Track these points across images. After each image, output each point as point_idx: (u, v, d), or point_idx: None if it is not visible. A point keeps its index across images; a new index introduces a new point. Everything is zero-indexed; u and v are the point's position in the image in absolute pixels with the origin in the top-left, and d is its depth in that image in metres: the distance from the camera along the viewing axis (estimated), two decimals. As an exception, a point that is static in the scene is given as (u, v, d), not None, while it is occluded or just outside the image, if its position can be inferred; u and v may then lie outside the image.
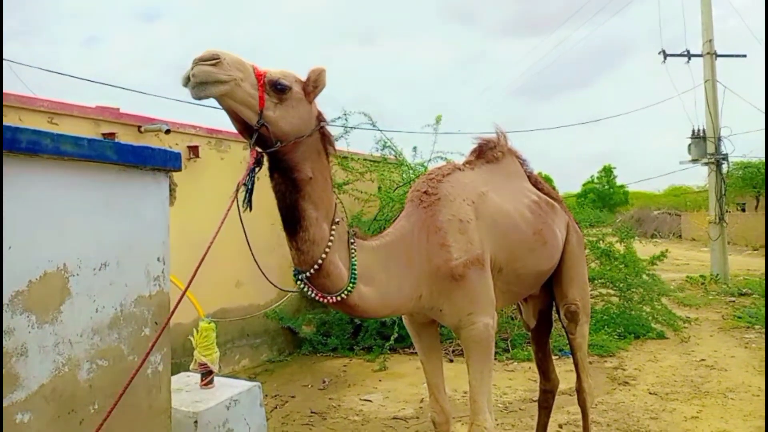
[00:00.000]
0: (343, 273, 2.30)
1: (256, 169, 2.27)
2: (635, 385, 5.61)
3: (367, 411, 5.15)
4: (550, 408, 3.74)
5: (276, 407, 5.24)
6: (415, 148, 8.70)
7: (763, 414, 4.50)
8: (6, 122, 1.95)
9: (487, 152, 3.13)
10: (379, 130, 8.62)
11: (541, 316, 3.54)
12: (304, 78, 2.26)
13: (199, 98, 2.04)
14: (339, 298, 2.31)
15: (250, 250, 2.47)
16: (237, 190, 2.28)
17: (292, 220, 2.24)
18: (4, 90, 4.77)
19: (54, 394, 2.05)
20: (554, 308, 3.52)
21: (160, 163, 2.55)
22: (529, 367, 6.38)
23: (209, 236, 2.26)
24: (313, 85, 2.21)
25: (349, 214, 8.23)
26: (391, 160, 8.80)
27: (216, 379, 4.08)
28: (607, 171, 41.66)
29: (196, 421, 3.45)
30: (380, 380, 6.14)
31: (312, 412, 5.11)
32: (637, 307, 7.93)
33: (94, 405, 2.22)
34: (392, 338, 6.71)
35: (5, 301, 1.90)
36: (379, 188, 8.55)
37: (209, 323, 4.13)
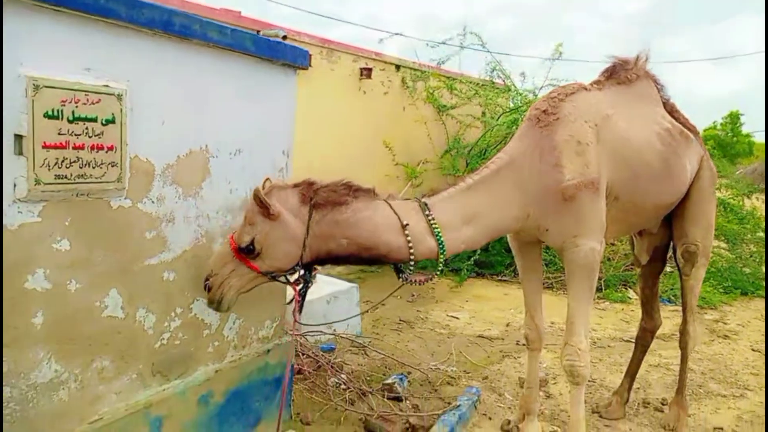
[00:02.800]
0: (431, 246, 2.33)
1: (309, 285, 2.35)
2: (736, 340, 5.33)
3: (453, 326, 5.33)
4: (647, 347, 3.67)
5: (367, 311, 5.54)
6: (523, 74, 8.30)
7: None
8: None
9: (620, 72, 2.93)
10: (488, 51, 8.28)
11: (655, 253, 3.39)
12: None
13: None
14: (439, 270, 2.41)
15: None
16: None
17: (376, 264, 2.34)
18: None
19: (194, 260, 2.30)
20: (671, 247, 3.35)
21: (291, 59, 2.64)
22: (621, 309, 6.24)
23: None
24: (263, 208, 2.11)
25: (450, 136, 8.16)
26: (498, 85, 8.48)
27: (318, 276, 4.38)
28: (734, 117, 37.55)
29: (300, 310, 3.75)
30: (467, 301, 6.28)
31: (401, 320, 5.36)
32: (751, 263, 7.39)
33: (224, 275, 2.46)
34: (472, 259, 6.78)
35: (157, 171, 2.10)
36: (483, 113, 8.33)
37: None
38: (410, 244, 2.26)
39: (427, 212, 2.35)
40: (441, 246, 2.33)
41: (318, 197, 2.19)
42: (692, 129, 3.12)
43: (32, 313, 1.77)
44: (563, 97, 2.73)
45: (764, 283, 7.30)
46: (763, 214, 8.05)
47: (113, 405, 2.07)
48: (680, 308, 3.57)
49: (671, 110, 3.07)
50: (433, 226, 2.33)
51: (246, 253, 2.13)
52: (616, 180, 2.67)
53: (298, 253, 2.16)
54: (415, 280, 2.40)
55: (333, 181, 2.26)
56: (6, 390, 1.74)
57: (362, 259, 2.31)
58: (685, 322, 3.35)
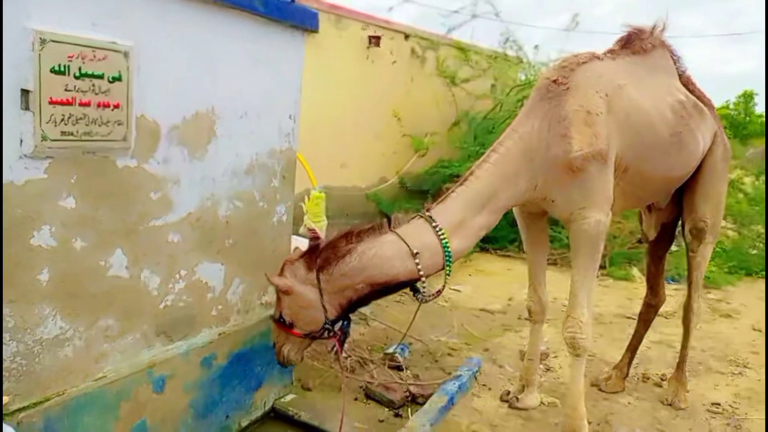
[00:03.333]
0: (438, 262, 2.38)
1: (347, 335, 2.54)
2: (738, 320, 5.34)
3: (455, 299, 5.36)
4: (650, 322, 3.68)
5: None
6: (536, 47, 8.15)
7: None
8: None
9: (635, 42, 2.86)
10: (501, 20, 8.13)
11: (662, 230, 3.37)
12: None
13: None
14: (447, 281, 2.47)
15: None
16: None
17: (401, 289, 2.46)
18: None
19: (199, 223, 2.30)
20: (680, 225, 3.33)
21: (299, 21, 2.58)
22: (625, 286, 6.25)
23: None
24: (276, 288, 2.34)
25: (459, 108, 8.06)
26: (511, 57, 8.34)
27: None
28: (747, 97, 36.94)
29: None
30: (470, 275, 6.30)
31: (402, 292, 5.37)
32: (758, 245, 7.36)
33: (229, 239, 2.47)
34: None
35: (163, 132, 2.08)
36: (492, 86, 8.21)
37: (320, 192, 4.35)
38: (419, 267, 2.32)
39: (434, 224, 2.38)
40: (447, 256, 2.38)
41: (320, 260, 2.31)
42: (708, 103, 3.06)
43: (38, 269, 1.77)
44: (574, 66, 2.68)
45: (768, 264, 7.29)
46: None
47: (117, 364, 2.09)
48: (684, 287, 3.57)
49: (687, 82, 3.01)
50: (442, 237, 2.36)
51: (283, 324, 2.37)
52: (625, 151, 2.64)
53: (319, 315, 2.33)
54: (431, 296, 2.48)
55: (334, 236, 2.39)
56: (12, 344, 1.76)
57: (387, 291, 2.40)
58: (689, 298, 3.35)
